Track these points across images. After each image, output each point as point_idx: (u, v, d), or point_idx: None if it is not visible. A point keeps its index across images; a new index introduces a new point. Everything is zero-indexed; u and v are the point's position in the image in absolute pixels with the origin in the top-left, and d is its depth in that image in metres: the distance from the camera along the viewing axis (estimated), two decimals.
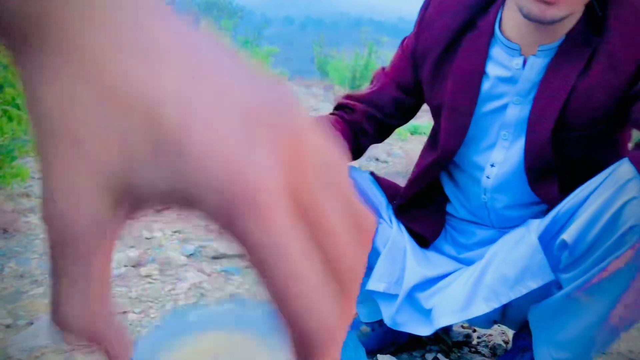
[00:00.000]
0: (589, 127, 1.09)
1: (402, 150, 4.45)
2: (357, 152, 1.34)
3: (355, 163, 3.88)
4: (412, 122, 5.03)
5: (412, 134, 4.90)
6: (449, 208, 1.37)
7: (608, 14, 1.05)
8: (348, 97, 1.33)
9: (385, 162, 4.05)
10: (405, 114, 1.34)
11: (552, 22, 1.03)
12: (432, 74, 1.22)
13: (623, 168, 0.97)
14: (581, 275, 1.04)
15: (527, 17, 1.03)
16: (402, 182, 3.09)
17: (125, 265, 2.06)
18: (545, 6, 1.00)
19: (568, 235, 1.03)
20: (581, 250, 1.02)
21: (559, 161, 1.14)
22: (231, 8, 15.49)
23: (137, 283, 1.94)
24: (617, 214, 0.95)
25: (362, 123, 1.29)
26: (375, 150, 4.22)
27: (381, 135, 1.36)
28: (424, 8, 1.25)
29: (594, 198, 1.01)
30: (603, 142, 1.14)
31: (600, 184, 1.01)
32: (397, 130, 4.90)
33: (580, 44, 1.07)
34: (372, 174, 1.38)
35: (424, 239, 1.35)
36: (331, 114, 1.32)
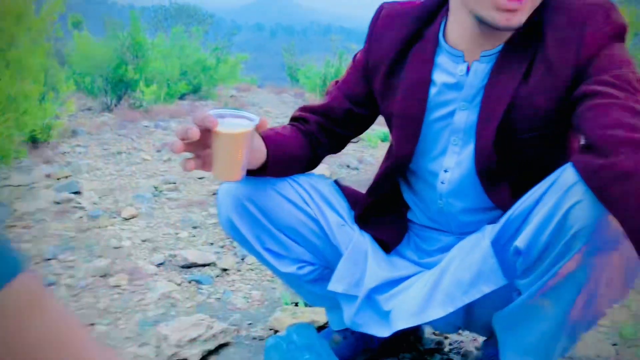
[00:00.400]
0: (531, 130, 1.12)
1: (372, 158, 4.47)
2: (314, 161, 1.37)
3: (327, 170, 3.90)
4: (383, 130, 5.07)
5: (382, 141, 4.93)
6: (410, 215, 1.39)
7: (544, 19, 1.08)
8: (303, 109, 1.36)
9: (356, 169, 4.06)
10: (358, 125, 1.37)
11: (517, 29, 1.06)
12: (384, 85, 1.26)
13: (567, 172, 0.99)
14: (537, 281, 1.06)
15: (494, 26, 1.05)
16: None
17: (93, 276, 2.02)
18: (511, 14, 1.02)
19: (520, 241, 1.05)
20: (534, 256, 1.04)
21: (507, 165, 1.16)
22: (201, 15, 15.39)
23: (106, 294, 1.90)
24: (563, 218, 0.97)
25: (317, 134, 1.32)
26: (346, 157, 4.23)
27: (336, 146, 1.39)
28: (373, 22, 1.30)
29: (543, 203, 1.02)
30: (550, 145, 1.16)
31: (548, 188, 1.03)
32: (367, 138, 4.90)
33: (520, 48, 1.10)
34: (335, 182, 1.41)
35: (387, 245, 1.37)
36: (287, 125, 1.34)
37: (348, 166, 4.12)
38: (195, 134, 0.98)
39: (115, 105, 6.12)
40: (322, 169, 3.69)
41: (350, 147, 4.51)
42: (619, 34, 1.06)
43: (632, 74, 1.00)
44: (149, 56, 6.58)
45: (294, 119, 1.36)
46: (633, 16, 3.28)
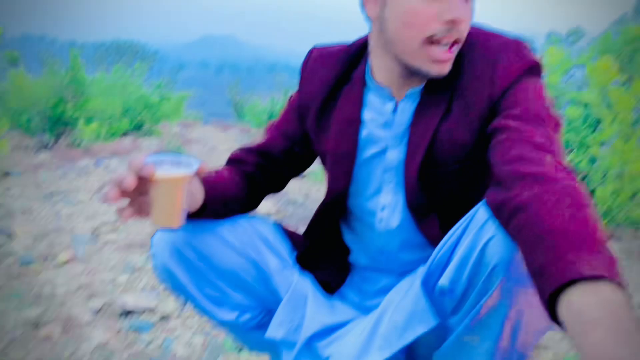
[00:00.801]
0: (454, 164, 1.15)
1: (319, 193, 4.46)
2: (253, 202, 1.35)
3: (273, 207, 3.86)
4: None
5: None
6: (351, 258, 1.38)
7: (461, 57, 1.12)
8: (241, 149, 1.36)
9: (303, 205, 4.04)
10: (297, 164, 1.38)
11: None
12: (316, 124, 1.28)
13: (480, 210, 1.01)
14: (464, 318, 1.07)
15: (427, 76, 1.09)
16: None
17: (24, 326, 1.89)
18: (444, 64, 1.07)
19: (444, 280, 1.06)
20: (459, 294, 1.05)
21: (434, 198, 1.19)
22: (145, 52, 15.25)
23: (36, 346, 1.78)
24: (480, 254, 0.98)
25: (256, 175, 1.31)
26: (292, 193, 4.21)
27: (275, 186, 1.38)
28: (304, 65, 1.33)
29: (462, 242, 1.04)
30: (472, 177, 1.19)
31: (467, 226, 1.04)
32: (314, 173, 4.90)
33: (441, 85, 1.14)
34: (276, 224, 1.38)
35: (330, 286, 1.36)
36: (225, 166, 1.32)
37: (294, 202, 4.09)
38: (130, 184, 0.93)
39: (54, 144, 5.93)
40: (268, 206, 3.66)
41: (296, 183, 4.49)
42: (530, 69, 1.09)
43: (543, 108, 1.04)
44: (89, 94, 6.43)
45: (232, 160, 1.34)
46: (561, 55, 3.44)
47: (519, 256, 0.92)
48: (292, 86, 10.05)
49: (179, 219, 1.00)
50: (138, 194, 0.99)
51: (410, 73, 1.13)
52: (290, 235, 1.37)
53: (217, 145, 7.35)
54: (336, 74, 1.25)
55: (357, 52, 1.25)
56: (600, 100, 2.94)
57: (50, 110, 5.92)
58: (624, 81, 3.19)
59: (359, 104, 1.22)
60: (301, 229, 1.38)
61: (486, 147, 1.09)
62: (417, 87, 1.16)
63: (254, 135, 9.13)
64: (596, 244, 0.75)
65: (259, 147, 1.34)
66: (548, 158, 0.93)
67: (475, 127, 1.11)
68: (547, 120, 1.02)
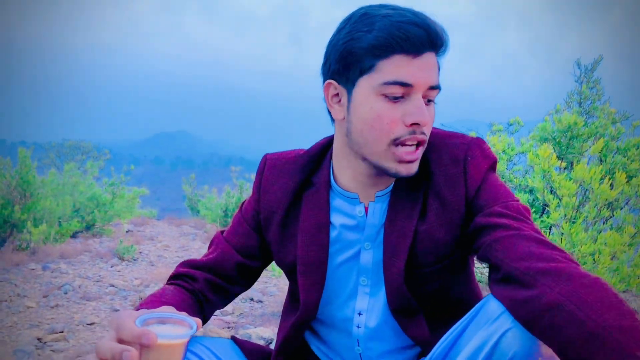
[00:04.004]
0: (436, 262, 1.15)
1: (276, 288, 4.38)
2: (202, 321, 1.23)
3: (229, 305, 3.75)
4: None
5: None
6: None
7: (429, 158, 1.16)
8: (187, 264, 1.28)
9: (260, 301, 3.95)
10: (249, 278, 1.32)
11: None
12: (280, 234, 1.24)
13: (491, 304, 1.00)
14: None
15: (396, 176, 1.10)
16: (277, 323, 3.00)
17: None
18: (411, 164, 1.08)
19: None
20: None
21: (419, 298, 1.17)
22: (97, 150, 15.19)
23: None
24: (494, 346, 0.96)
25: (205, 292, 1.24)
26: (249, 290, 4.12)
27: (224, 302, 1.31)
28: (260, 174, 1.29)
29: (469, 334, 1.02)
30: (452, 274, 1.20)
31: (470, 322, 1.03)
32: (272, 267, 4.82)
33: (410, 186, 1.16)
34: (233, 338, 1.30)
35: None
36: (170, 283, 1.24)
37: (252, 299, 3.99)
38: (134, 357, 0.81)
39: None
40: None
41: None
42: (493, 165, 1.16)
43: (517, 202, 1.09)
44: (38, 195, 6.29)
45: (178, 276, 1.25)
46: (505, 144, 3.61)
47: (535, 348, 0.91)
48: (246, 180, 10.12)
49: None
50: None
51: (378, 173, 1.13)
52: (248, 350, 1.28)
53: (171, 243, 7.22)
54: (298, 181, 1.23)
55: (316, 156, 1.24)
56: (544, 185, 3.07)
57: None
58: (564, 167, 3.35)
59: (326, 208, 1.20)
60: (259, 327, 1.33)
61: (466, 244, 1.11)
62: (384, 190, 1.17)
63: (209, 230, 9.02)
64: None
65: (207, 262, 1.26)
66: (555, 252, 0.94)
67: (454, 225, 1.12)
68: (526, 212, 1.07)
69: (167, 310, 0.91)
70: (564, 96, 3.99)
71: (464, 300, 1.24)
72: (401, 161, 1.07)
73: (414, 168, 1.09)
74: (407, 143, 1.06)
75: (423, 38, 1.01)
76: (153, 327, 0.87)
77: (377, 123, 1.05)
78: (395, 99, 1.04)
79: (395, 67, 1.02)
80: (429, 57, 1.04)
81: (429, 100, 1.07)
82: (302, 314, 1.22)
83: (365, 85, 1.05)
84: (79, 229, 7.08)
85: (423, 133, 1.06)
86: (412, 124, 1.04)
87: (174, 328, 0.89)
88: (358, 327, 1.21)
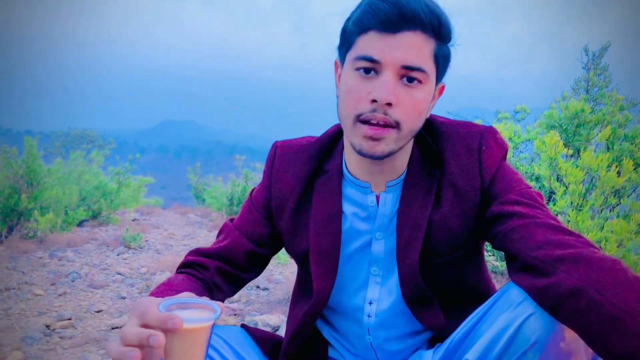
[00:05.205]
0: (451, 252, 1.15)
1: (282, 276, 4.39)
2: None
3: (236, 294, 3.76)
4: None
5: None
6: (332, 353, 1.32)
7: (442, 148, 1.15)
8: (196, 253, 1.27)
9: (266, 289, 3.96)
10: (260, 265, 1.31)
11: (383, 157, 1.07)
12: (292, 222, 1.23)
13: (512, 291, 1.00)
14: None
15: (360, 153, 1.08)
16: (283, 310, 3.01)
17: None
18: (374, 142, 1.05)
19: (471, 355, 1.02)
20: None
21: (433, 288, 1.17)
22: (102, 139, 15.22)
23: None
24: (517, 331, 0.96)
25: (216, 280, 1.23)
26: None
27: (235, 290, 1.30)
28: (270, 161, 1.28)
29: (490, 319, 1.02)
30: (466, 263, 1.20)
31: (491, 307, 1.03)
32: (277, 255, 4.83)
33: (423, 175, 1.15)
34: (243, 326, 1.30)
35: None
36: (180, 272, 1.22)
37: (258, 287, 4.01)
38: (161, 341, 0.79)
39: (6, 237, 5.73)
40: None
41: None
42: (506, 153, 1.16)
43: (530, 189, 1.09)
44: (45, 184, 6.31)
45: (187, 265, 1.24)
46: (511, 132, 3.60)
47: (558, 334, 0.92)
48: (251, 168, 10.12)
49: None
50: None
51: (367, 161, 1.13)
52: (258, 338, 1.29)
53: (177, 231, 7.24)
54: (310, 169, 1.22)
55: (328, 144, 1.24)
56: (550, 173, 3.06)
57: (3, 201, 5.76)
58: (570, 154, 3.34)
59: (338, 196, 1.19)
60: (265, 314, 1.33)
61: (481, 233, 1.11)
62: (396, 179, 1.16)
63: (214, 219, 9.04)
64: None
65: (218, 250, 1.25)
66: (572, 238, 0.94)
67: (468, 215, 1.12)
68: (540, 199, 1.07)
69: (189, 296, 0.90)
70: (571, 83, 3.97)
71: (476, 288, 1.24)
72: (365, 136, 1.04)
73: (378, 148, 1.05)
74: (372, 121, 1.03)
75: (392, 16, 0.99)
76: (177, 312, 0.85)
77: (347, 97, 1.05)
78: (367, 75, 1.03)
79: (367, 43, 1.02)
80: (407, 36, 1.01)
81: (410, 80, 1.02)
82: (315, 302, 1.22)
83: (347, 61, 1.06)
84: (85, 217, 7.12)
85: (386, 114, 1.02)
86: (372, 101, 1.01)
87: (198, 313, 0.87)
88: (369, 316, 1.21)
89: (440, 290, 1.18)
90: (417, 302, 1.17)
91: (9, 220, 5.85)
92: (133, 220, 8.23)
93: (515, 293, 0.99)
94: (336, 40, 1.15)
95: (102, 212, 7.69)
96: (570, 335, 0.91)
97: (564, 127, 3.52)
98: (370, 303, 1.20)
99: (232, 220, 1.32)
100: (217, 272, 1.23)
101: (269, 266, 4.74)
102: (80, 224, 7.19)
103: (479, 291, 1.24)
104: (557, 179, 3.08)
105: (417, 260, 1.13)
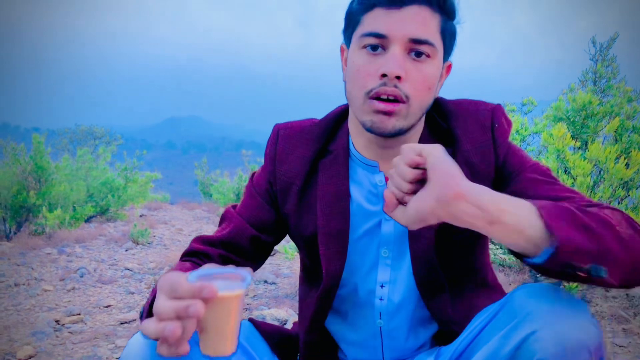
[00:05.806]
0: (464, 231, 1.09)
1: (290, 271, 4.40)
2: None
3: None
4: None
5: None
6: (340, 354, 1.29)
7: (452, 125, 1.15)
8: (200, 241, 1.24)
9: (274, 283, 3.97)
10: (264, 252, 1.28)
11: (393, 134, 1.07)
12: (298, 205, 1.21)
13: (518, 301, 0.94)
14: None
15: (371, 130, 1.07)
16: (290, 304, 3.02)
17: None
18: (386, 117, 1.04)
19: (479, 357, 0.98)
20: None
21: (445, 268, 1.15)
22: (109, 136, 15.27)
23: None
24: (519, 346, 0.89)
25: None
26: (262, 272, 4.14)
27: None
28: (272, 144, 1.25)
29: (494, 331, 0.96)
30: (477, 240, 1.19)
31: (495, 316, 0.98)
32: (284, 249, 4.82)
33: None
34: (251, 320, 1.28)
35: None
36: (184, 260, 1.20)
37: (265, 281, 4.02)
38: (201, 310, 0.76)
39: (15, 233, 5.77)
40: None
41: (266, 261, 4.43)
42: (511, 130, 1.17)
43: (539, 164, 1.12)
44: (53, 180, 6.35)
45: (191, 253, 1.22)
46: (518, 124, 3.58)
47: (569, 351, 0.85)
48: (258, 163, 10.13)
49: (235, 342, 0.86)
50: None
51: (378, 140, 1.12)
52: (265, 332, 1.27)
53: (184, 227, 7.27)
54: (315, 150, 1.20)
55: (332, 125, 1.23)
56: (558, 165, 3.04)
57: (11, 198, 5.80)
58: (578, 147, 3.32)
59: (344, 176, 1.18)
60: (273, 308, 1.33)
61: None
62: None
63: (222, 214, 9.05)
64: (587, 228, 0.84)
65: (221, 238, 1.23)
66: (595, 208, 0.94)
67: None
68: (550, 172, 1.11)
69: (213, 267, 0.87)
70: (579, 75, 3.94)
71: (481, 270, 1.24)
72: (375, 111, 1.04)
73: (389, 123, 1.05)
74: (382, 97, 1.03)
75: None
76: (213, 281, 0.82)
77: (356, 76, 1.06)
78: (374, 52, 1.03)
79: (373, 19, 1.03)
80: (413, 10, 1.02)
81: (418, 55, 1.03)
82: (326, 284, 1.19)
83: (354, 41, 1.07)
84: (93, 213, 7.15)
85: (396, 87, 1.02)
86: (382, 75, 1.02)
87: (228, 282, 0.85)
88: (381, 299, 1.19)
89: (452, 270, 1.16)
90: (427, 285, 1.15)
91: (18, 216, 5.90)
92: (140, 216, 8.26)
93: (521, 303, 0.94)
94: (341, 35, 1.15)
95: (110, 208, 7.73)
96: (573, 345, 0.85)
97: (572, 119, 3.50)
98: (382, 286, 1.18)
99: (234, 206, 1.29)
100: (220, 260, 1.20)
101: (276, 261, 4.75)
102: (88, 220, 7.22)
103: (482, 274, 1.23)
104: (565, 172, 3.07)
105: (433, 238, 1.12)
